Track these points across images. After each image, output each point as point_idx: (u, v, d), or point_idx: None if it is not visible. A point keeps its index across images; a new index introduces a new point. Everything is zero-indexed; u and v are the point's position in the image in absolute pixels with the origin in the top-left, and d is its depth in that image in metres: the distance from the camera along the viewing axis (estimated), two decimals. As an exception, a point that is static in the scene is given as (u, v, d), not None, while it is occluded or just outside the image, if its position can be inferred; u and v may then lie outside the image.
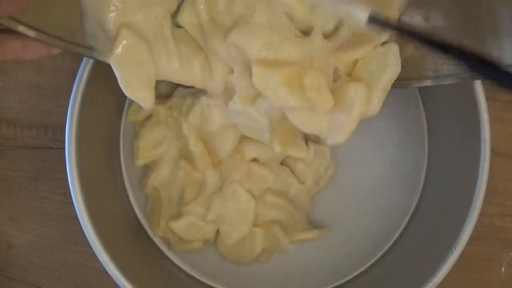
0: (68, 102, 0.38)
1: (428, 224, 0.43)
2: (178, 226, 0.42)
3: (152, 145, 0.43)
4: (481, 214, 0.45)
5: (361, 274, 0.45)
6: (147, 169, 0.45)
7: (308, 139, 0.43)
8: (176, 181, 0.43)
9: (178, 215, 0.43)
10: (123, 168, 0.46)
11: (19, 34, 0.29)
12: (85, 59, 0.37)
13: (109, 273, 0.37)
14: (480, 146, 0.37)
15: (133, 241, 0.44)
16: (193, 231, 0.42)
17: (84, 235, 0.37)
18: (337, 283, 0.45)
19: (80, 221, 0.37)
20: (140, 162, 0.44)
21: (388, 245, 0.45)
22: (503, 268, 0.46)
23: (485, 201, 0.46)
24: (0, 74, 0.49)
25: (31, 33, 0.29)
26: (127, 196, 0.46)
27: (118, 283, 0.37)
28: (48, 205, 0.49)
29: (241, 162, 0.41)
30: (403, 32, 0.29)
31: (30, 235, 0.49)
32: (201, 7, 0.33)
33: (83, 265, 0.47)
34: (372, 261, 0.45)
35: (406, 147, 0.45)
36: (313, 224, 0.45)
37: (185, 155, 0.42)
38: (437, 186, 0.43)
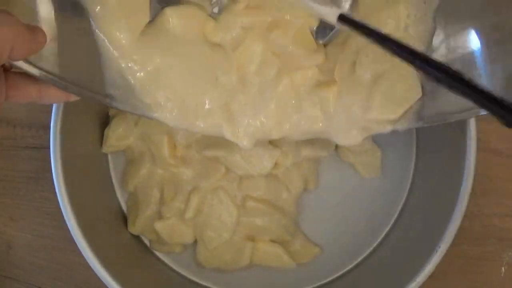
0: (68, 102, 0.38)
1: (414, 223, 0.43)
2: (162, 226, 0.42)
3: (121, 136, 0.44)
4: (481, 214, 0.46)
5: (348, 272, 0.45)
6: (128, 167, 0.45)
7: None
8: (154, 179, 0.43)
9: (159, 215, 0.43)
10: (110, 165, 0.47)
11: (36, 79, 0.28)
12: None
13: (94, 269, 0.37)
14: (466, 145, 0.37)
15: (120, 238, 0.44)
16: (175, 234, 0.43)
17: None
18: (323, 282, 0.45)
19: (65, 218, 0.37)
20: (107, 149, 0.45)
21: (375, 244, 0.45)
22: (503, 268, 0.46)
23: (485, 201, 0.46)
24: (0, 74, 0.49)
25: (47, 78, 0.28)
26: (114, 193, 0.46)
27: (103, 280, 0.37)
28: (48, 205, 0.49)
29: (218, 165, 0.42)
30: (373, 36, 0.26)
31: (30, 235, 0.49)
32: None
33: (83, 265, 0.46)
34: (358, 260, 0.45)
35: (394, 147, 0.45)
36: (301, 227, 0.45)
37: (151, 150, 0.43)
38: (424, 185, 0.44)
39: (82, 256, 0.38)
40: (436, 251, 0.36)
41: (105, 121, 0.45)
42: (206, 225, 0.42)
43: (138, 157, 0.44)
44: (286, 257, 0.43)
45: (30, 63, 0.27)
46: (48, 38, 0.27)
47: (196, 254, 0.44)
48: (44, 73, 0.28)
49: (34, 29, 0.26)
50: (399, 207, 0.45)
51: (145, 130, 0.42)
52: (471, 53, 0.30)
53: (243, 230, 0.43)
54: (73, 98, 0.31)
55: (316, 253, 0.45)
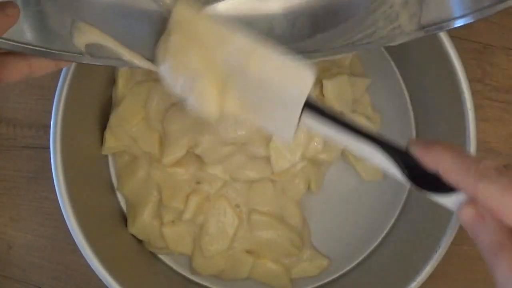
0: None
1: (414, 224, 0.43)
2: (169, 232, 0.42)
3: (119, 137, 0.43)
4: (481, 214, 0.46)
5: (348, 272, 0.45)
6: (124, 169, 0.45)
7: None
8: (152, 180, 0.43)
9: (159, 216, 0.43)
10: (110, 165, 0.46)
11: (24, 54, 0.27)
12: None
13: (94, 269, 0.37)
14: (466, 145, 0.37)
15: (120, 238, 0.44)
16: (180, 243, 0.43)
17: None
18: (323, 282, 0.45)
19: (65, 218, 0.37)
20: (106, 151, 0.44)
21: (375, 245, 0.45)
22: (503, 268, 0.46)
23: (485, 201, 0.46)
24: (0, 74, 0.49)
25: (33, 51, 0.27)
26: (114, 193, 0.46)
27: (103, 280, 0.37)
28: (48, 205, 0.49)
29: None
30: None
31: (30, 235, 0.49)
32: None
33: (83, 265, 0.46)
34: (358, 260, 0.45)
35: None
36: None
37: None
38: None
39: (82, 256, 0.38)
40: (436, 251, 0.36)
41: (105, 121, 0.45)
42: (205, 232, 0.42)
43: (134, 160, 0.44)
44: (286, 280, 0.43)
45: (12, 40, 0.26)
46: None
47: (192, 261, 0.44)
48: (28, 46, 0.27)
49: (1, 5, 0.24)
50: (399, 208, 0.45)
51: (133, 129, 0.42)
52: None
53: (245, 243, 0.42)
54: (63, 64, 0.30)
55: (325, 266, 0.44)
